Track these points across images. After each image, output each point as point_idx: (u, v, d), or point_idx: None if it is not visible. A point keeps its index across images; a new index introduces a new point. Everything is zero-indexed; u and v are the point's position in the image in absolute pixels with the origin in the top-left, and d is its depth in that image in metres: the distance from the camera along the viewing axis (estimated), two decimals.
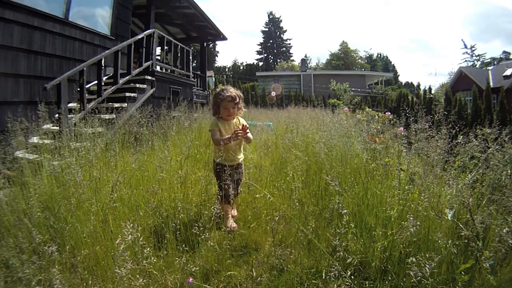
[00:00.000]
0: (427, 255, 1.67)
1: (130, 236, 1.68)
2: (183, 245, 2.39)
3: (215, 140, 3.10)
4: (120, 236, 1.76)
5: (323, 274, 2.03)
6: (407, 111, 3.17)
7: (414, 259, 1.62)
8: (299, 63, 52.12)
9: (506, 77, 24.39)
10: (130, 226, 1.72)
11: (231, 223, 2.97)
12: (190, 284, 1.95)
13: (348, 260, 1.82)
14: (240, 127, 3.06)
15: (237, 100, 3.12)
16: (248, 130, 3.04)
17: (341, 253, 1.85)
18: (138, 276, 1.79)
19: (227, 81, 29.60)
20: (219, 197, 2.78)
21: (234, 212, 3.24)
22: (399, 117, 3.66)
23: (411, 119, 2.93)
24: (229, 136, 2.98)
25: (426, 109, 2.99)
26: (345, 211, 1.99)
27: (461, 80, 27.99)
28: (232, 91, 3.14)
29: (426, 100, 20.20)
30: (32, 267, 1.79)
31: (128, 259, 1.65)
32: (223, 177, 2.73)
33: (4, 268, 2.02)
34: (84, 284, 1.77)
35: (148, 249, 1.89)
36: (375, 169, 2.87)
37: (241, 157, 3.25)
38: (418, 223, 1.94)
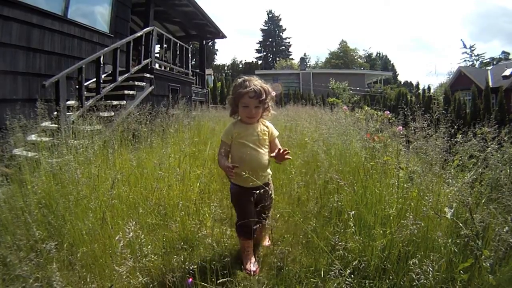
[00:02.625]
0: (427, 255, 1.67)
1: (131, 233, 1.67)
2: (182, 243, 2.39)
3: (218, 159, 2.34)
4: (120, 233, 1.75)
5: (322, 273, 2.03)
6: (406, 109, 3.16)
7: (416, 261, 1.62)
8: (298, 62, 52.06)
9: (505, 77, 24.43)
10: (132, 224, 1.71)
11: (252, 265, 2.31)
12: (190, 284, 1.94)
13: (349, 261, 1.81)
14: (264, 133, 2.35)
15: (263, 96, 2.27)
16: (287, 154, 2.20)
17: (340, 252, 1.85)
18: (137, 274, 1.79)
19: (226, 79, 29.50)
20: (237, 228, 2.32)
21: (266, 241, 2.67)
22: (398, 116, 3.66)
23: (409, 118, 2.93)
24: (232, 165, 2.16)
25: (424, 108, 2.98)
26: (352, 213, 1.99)
27: (460, 80, 28.03)
28: (257, 83, 2.29)
29: (425, 99, 20.21)
30: (30, 265, 1.78)
31: (129, 257, 1.64)
32: (243, 204, 2.28)
33: (2, 266, 2.02)
34: (82, 282, 1.76)
35: (149, 247, 1.88)
36: (374, 168, 2.87)
37: (268, 173, 2.39)
38: (422, 224, 1.94)
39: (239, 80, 2.34)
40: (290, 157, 2.24)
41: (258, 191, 2.07)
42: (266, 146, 2.35)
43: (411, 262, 1.65)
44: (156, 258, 2.17)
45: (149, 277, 2.08)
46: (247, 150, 2.27)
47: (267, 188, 2.21)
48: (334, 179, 2.53)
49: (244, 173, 2.04)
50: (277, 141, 2.44)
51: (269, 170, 2.40)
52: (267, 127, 2.40)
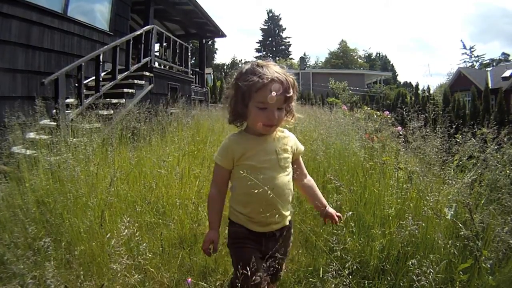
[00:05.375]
0: (427, 255, 1.67)
1: (126, 230, 1.66)
2: (180, 242, 2.38)
3: (210, 197, 1.60)
4: (115, 231, 1.75)
5: (321, 273, 2.02)
6: (404, 109, 3.16)
7: (415, 261, 1.61)
8: (298, 62, 52.16)
9: (505, 78, 24.48)
10: (126, 221, 1.70)
11: None
12: (189, 284, 1.93)
13: (347, 260, 1.81)
14: (286, 149, 1.57)
15: (291, 91, 1.47)
16: (339, 218, 1.68)
17: (338, 253, 1.84)
18: (133, 272, 1.78)
19: (226, 78, 29.48)
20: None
21: None
22: (396, 116, 3.66)
23: (407, 118, 2.93)
24: (208, 239, 1.52)
25: (421, 108, 2.99)
26: (349, 213, 1.98)
27: (459, 81, 28.06)
28: (279, 71, 1.47)
29: (424, 99, 20.23)
30: (27, 263, 1.77)
31: (123, 254, 1.64)
32: (246, 256, 1.43)
33: None
34: (80, 280, 1.76)
35: (144, 244, 1.88)
36: (373, 168, 2.87)
37: (288, 212, 1.59)
38: (423, 224, 1.94)
39: (248, 65, 1.50)
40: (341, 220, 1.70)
41: (271, 237, 1.52)
42: (289, 169, 1.56)
43: (410, 263, 1.64)
44: (154, 257, 2.16)
45: (147, 276, 2.07)
46: (262, 177, 1.44)
47: (285, 232, 1.58)
48: (331, 180, 2.50)
49: (249, 210, 1.49)
50: (301, 160, 1.70)
51: (290, 206, 1.60)
52: (288, 139, 1.61)
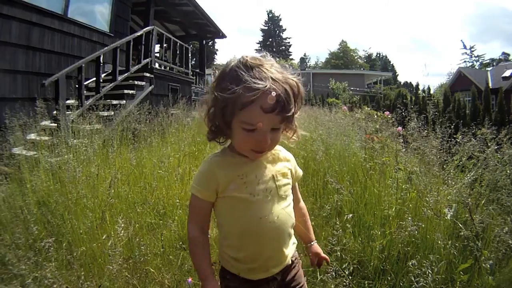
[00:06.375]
0: (427, 256, 1.67)
1: (122, 231, 1.67)
2: (181, 243, 2.38)
3: (190, 242, 1.19)
4: (112, 232, 1.75)
5: (319, 273, 2.02)
6: (403, 110, 3.16)
7: (415, 262, 1.61)
8: (298, 62, 52.17)
9: (505, 78, 24.47)
10: (122, 221, 1.70)
11: None
12: (190, 284, 1.94)
13: (346, 261, 1.81)
14: (285, 173, 1.20)
15: (291, 105, 1.02)
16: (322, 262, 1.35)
17: (338, 254, 1.85)
18: (133, 273, 1.79)
19: None
20: None
21: None
22: (396, 117, 3.66)
23: (406, 119, 2.93)
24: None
25: (420, 109, 2.99)
26: (350, 215, 1.98)
27: (460, 81, 28.06)
28: (277, 74, 1.02)
29: (425, 99, 20.22)
30: (28, 263, 1.77)
31: (119, 255, 1.64)
32: None
33: (0, 265, 2.01)
34: (80, 281, 1.76)
35: (142, 245, 1.88)
36: (373, 168, 2.87)
37: (290, 249, 1.20)
38: (423, 225, 1.94)
39: (232, 64, 1.04)
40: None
41: (272, 281, 1.17)
42: (290, 197, 1.21)
43: (410, 264, 1.65)
44: (154, 258, 2.17)
45: (148, 276, 2.08)
46: (259, 211, 1.10)
47: (291, 272, 1.22)
48: (330, 183, 2.50)
49: (254, 260, 1.13)
50: (297, 185, 1.36)
51: (293, 239, 1.24)
52: (287, 159, 1.25)
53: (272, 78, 0.99)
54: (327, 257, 1.34)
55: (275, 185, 1.14)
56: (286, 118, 1.03)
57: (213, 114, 1.08)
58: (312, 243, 1.36)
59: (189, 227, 1.19)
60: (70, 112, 4.74)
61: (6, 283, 1.87)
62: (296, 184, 1.34)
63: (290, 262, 1.21)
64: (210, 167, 1.13)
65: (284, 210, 1.15)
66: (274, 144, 1.10)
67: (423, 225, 1.96)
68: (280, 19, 65.04)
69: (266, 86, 0.96)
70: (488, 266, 1.68)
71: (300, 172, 1.32)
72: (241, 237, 1.12)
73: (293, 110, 1.03)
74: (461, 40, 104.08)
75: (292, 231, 1.21)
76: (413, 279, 1.54)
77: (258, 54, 1.07)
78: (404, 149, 2.84)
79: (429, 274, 1.52)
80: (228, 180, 1.10)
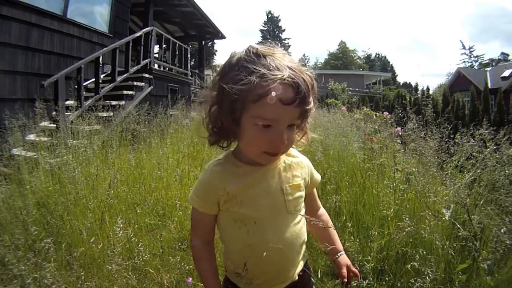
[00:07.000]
0: (425, 256, 1.67)
1: (121, 232, 1.67)
2: (180, 243, 2.39)
3: (195, 258, 1.13)
4: (110, 233, 1.76)
5: (319, 274, 2.03)
6: (401, 111, 3.16)
7: (414, 263, 1.62)
8: None
9: (504, 78, 24.47)
10: (120, 222, 1.71)
11: None
12: (189, 284, 1.94)
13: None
14: (297, 183, 1.06)
15: (310, 100, 0.91)
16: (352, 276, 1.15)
17: None
18: (131, 273, 1.79)
19: None
20: None
21: None
22: (395, 117, 3.67)
23: (404, 119, 2.93)
24: None
25: (420, 109, 3.00)
26: (349, 224, 1.99)
27: (459, 81, 28.09)
28: (292, 64, 0.89)
29: (423, 99, 20.24)
30: (28, 264, 1.78)
31: (118, 255, 1.65)
32: None
33: (0, 265, 2.02)
34: (80, 281, 1.76)
35: (140, 245, 1.89)
36: (371, 169, 2.87)
37: (299, 267, 1.08)
38: (422, 225, 1.95)
39: (240, 54, 0.92)
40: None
41: None
42: (302, 213, 1.07)
43: (409, 266, 1.65)
44: (154, 258, 2.17)
45: (147, 277, 2.08)
46: (262, 230, 1.00)
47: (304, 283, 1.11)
48: (329, 183, 2.50)
49: (258, 278, 1.03)
50: (315, 192, 1.24)
51: (304, 248, 1.11)
52: (301, 166, 1.11)
53: (288, 66, 0.87)
54: (356, 271, 1.16)
55: (283, 199, 1.02)
56: (304, 113, 0.92)
57: (217, 111, 0.94)
58: (338, 254, 1.18)
59: (192, 241, 1.11)
60: (69, 113, 4.74)
61: (6, 283, 1.87)
62: (314, 190, 1.22)
63: (297, 277, 1.07)
64: (210, 179, 1.02)
65: (292, 229, 1.02)
66: (290, 144, 0.95)
67: (422, 225, 1.96)
68: (279, 20, 64.98)
69: (284, 75, 0.84)
70: (486, 266, 1.69)
71: (317, 177, 1.19)
72: (243, 255, 1.02)
73: (312, 104, 0.92)
74: (460, 40, 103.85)
75: (301, 249, 1.08)
76: (412, 280, 1.54)
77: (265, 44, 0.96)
78: (402, 150, 2.84)
79: (428, 274, 1.52)
80: (230, 194, 0.99)
